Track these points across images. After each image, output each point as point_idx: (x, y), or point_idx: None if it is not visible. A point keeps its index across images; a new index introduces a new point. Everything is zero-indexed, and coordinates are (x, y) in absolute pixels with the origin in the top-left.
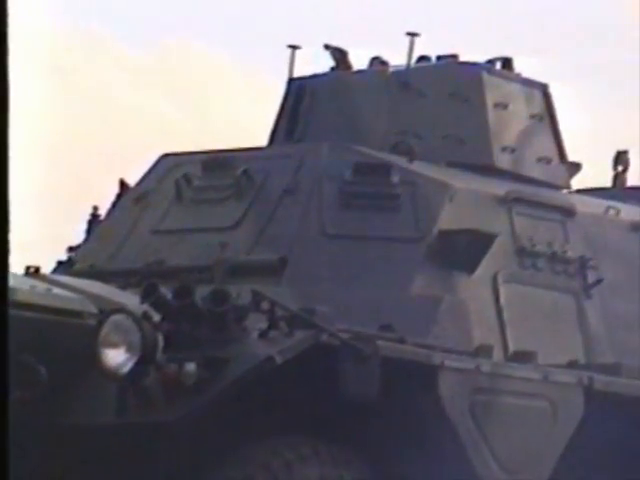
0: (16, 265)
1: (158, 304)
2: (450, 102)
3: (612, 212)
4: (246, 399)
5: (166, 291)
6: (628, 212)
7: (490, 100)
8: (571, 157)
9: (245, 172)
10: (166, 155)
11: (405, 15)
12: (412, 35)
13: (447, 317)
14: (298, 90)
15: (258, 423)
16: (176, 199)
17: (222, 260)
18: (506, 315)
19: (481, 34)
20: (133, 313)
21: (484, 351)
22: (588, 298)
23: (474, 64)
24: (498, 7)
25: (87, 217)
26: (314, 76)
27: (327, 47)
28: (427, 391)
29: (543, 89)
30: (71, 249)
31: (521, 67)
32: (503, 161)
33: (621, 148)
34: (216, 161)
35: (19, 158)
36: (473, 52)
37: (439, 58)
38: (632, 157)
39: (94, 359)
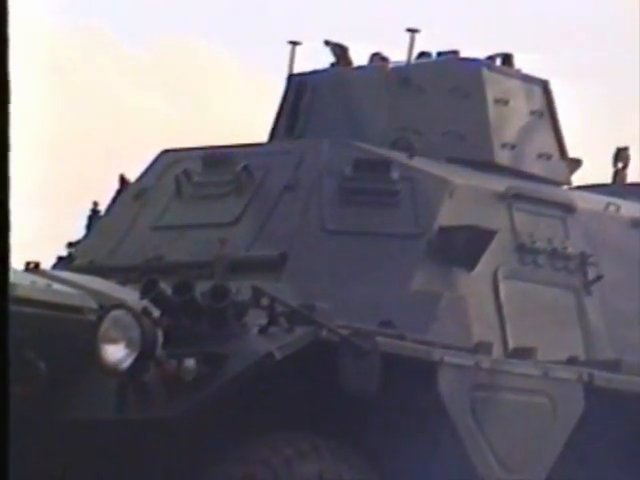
0: (16, 261)
1: (158, 300)
2: (450, 98)
3: (612, 208)
4: (246, 395)
5: (166, 287)
6: (628, 208)
7: (490, 96)
8: (571, 153)
9: (245, 168)
10: (166, 151)
11: (405, 11)
12: (412, 31)
13: (447, 313)
14: (298, 86)
15: (258, 419)
16: (176, 195)
17: (222, 256)
18: (506, 311)
19: (481, 30)
20: (133, 309)
21: (484, 347)
22: (588, 294)
23: (474, 60)
24: (498, 3)
25: (87, 213)
26: (314, 72)
27: (327, 43)
28: (426, 387)
29: (543, 85)
30: (71, 245)
31: (521, 63)
32: (503, 157)
33: (621, 145)
34: (216, 157)
35: (18, 155)
36: (473, 48)
37: (439, 54)
38: (632, 154)
39: (94, 355)
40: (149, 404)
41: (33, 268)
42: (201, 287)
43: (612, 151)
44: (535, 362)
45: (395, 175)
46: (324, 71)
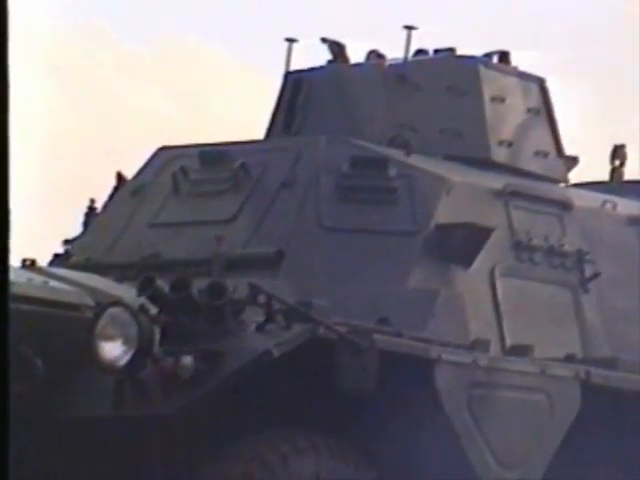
0: (12, 258)
1: (155, 297)
2: (447, 95)
3: (609, 206)
4: (243, 392)
5: (163, 284)
6: (625, 206)
7: (487, 94)
8: (568, 151)
9: (242, 165)
10: (163, 148)
11: (402, 8)
12: (409, 28)
13: (444, 311)
14: (295, 83)
15: (255, 416)
16: (173, 192)
17: (219, 253)
18: (503, 309)
19: (478, 28)
20: (130, 306)
21: (481, 345)
22: (585, 292)
23: (471, 57)
24: (495, 1)
25: (84, 210)
26: (311, 69)
27: (324, 40)
28: (424, 385)
29: (540, 83)
30: (67, 242)
31: (518, 61)
32: (500, 155)
33: (618, 142)
34: (213, 154)
35: (17, 153)
36: (470, 46)
37: (436, 51)
38: (629, 151)
39: (91, 352)
40: (146, 401)
41: (30, 265)
42: (198, 284)
43: (609, 149)
44: (532, 360)
45: (392, 172)
46: (321, 68)
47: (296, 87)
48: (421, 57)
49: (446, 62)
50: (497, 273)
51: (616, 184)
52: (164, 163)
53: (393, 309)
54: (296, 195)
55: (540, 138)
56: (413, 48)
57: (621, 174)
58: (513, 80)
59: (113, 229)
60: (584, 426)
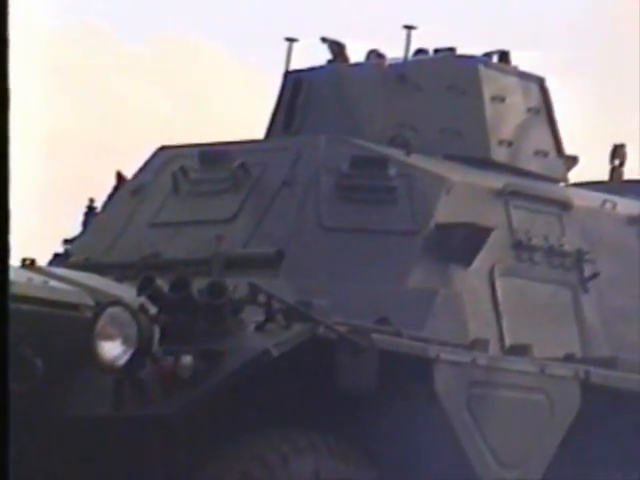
0: (12, 258)
1: (154, 297)
2: (447, 95)
3: (609, 206)
4: (242, 392)
5: (163, 284)
6: (625, 206)
7: (487, 93)
8: (568, 150)
9: (242, 165)
10: (163, 148)
11: (402, 8)
12: (409, 28)
13: (443, 310)
14: (295, 83)
15: (254, 416)
16: (173, 192)
17: (219, 253)
18: (502, 308)
19: (478, 27)
20: (129, 306)
21: (480, 344)
22: (585, 292)
23: (471, 57)
24: (495, 0)
25: (83, 210)
26: (311, 69)
27: (324, 40)
28: (423, 384)
29: (540, 82)
30: (67, 241)
31: (518, 60)
32: (500, 154)
33: (618, 142)
34: (213, 154)
35: (17, 153)
36: (470, 45)
37: (436, 51)
38: (629, 151)
39: (90, 352)
40: (146, 401)
41: (29, 265)
42: (198, 284)
43: (609, 148)
44: (532, 359)
45: (392, 172)
46: (321, 68)
47: (296, 87)
48: (421, 57)
49: (446, 62)
50: (497, 273)
51: (616, 184)
52: (164, 163)
53: (393, 309)
54: (296, 195)
55: (540, 138)
56: (413, 48)
57: (621, 174)
58: (513, 80)
59: (113, 229)
60: (584, 426)
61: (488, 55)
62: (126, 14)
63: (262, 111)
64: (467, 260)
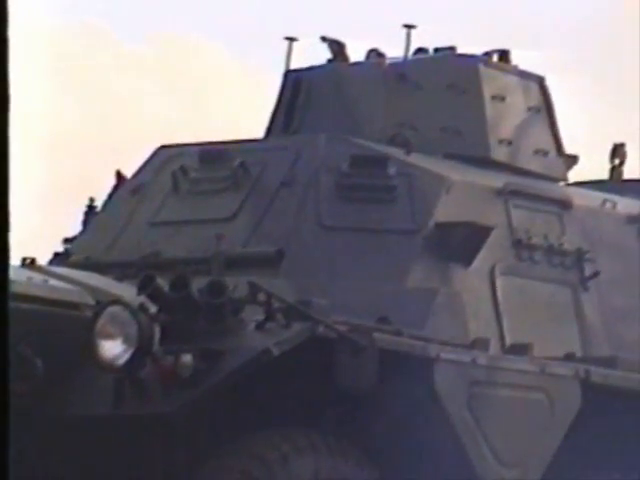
0: (12, 257)
1: (155, 296)
2: (447, 94)
3: (609, 205)
4: (242, 391)
5: (163, 283)
6: (625, 205)
7: (487, 92)
8: (568, 150)
9: (242, 164)
10: (163, 147)
11: (402, 7)
12: (409, 27)
13: (443, 310)
14: (295, 82)
15: (254, 415)
16: (173, 191)
17: (219, 252)
18: (503, 308)
19: (478, 26)
20: (130, 305)
21: (480, 344)
22: (585, 291)
23: (471, 56)
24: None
25: (83, 209)
26: (311, 68)
27: (324, 39)
28: (423, 383)
29: (540, 81)
30: (67, 240)
31: (518, 59)
32: (500, 153)
33: (618, 141)
34: (213, 153)
35: (17, 153)
36: (470, 44)
37: (436, 50)
38: (629, 150)
39: (90, 351)
40: (146, 400)
41: (29, 264)
42: (198, 283)
43: (609, 147)
44: (532, 358)
45: (392, 171)
46: (321, 67)
47: (296, 86)
48: (421, 56)
49: (446, 61)
50: (497, 272)
51: (616, 183)
52: (164, 162)
53: (393, 308)
54: (296, 194)
55: (540, 137)
56: (413, 47)
57: (621, 173)
58: (513, 79)
59: (113, 228)
60: (584, 425)
61: (488, 54)
62: (126, 14)
63: (262, 111)
64: (467, 259)
